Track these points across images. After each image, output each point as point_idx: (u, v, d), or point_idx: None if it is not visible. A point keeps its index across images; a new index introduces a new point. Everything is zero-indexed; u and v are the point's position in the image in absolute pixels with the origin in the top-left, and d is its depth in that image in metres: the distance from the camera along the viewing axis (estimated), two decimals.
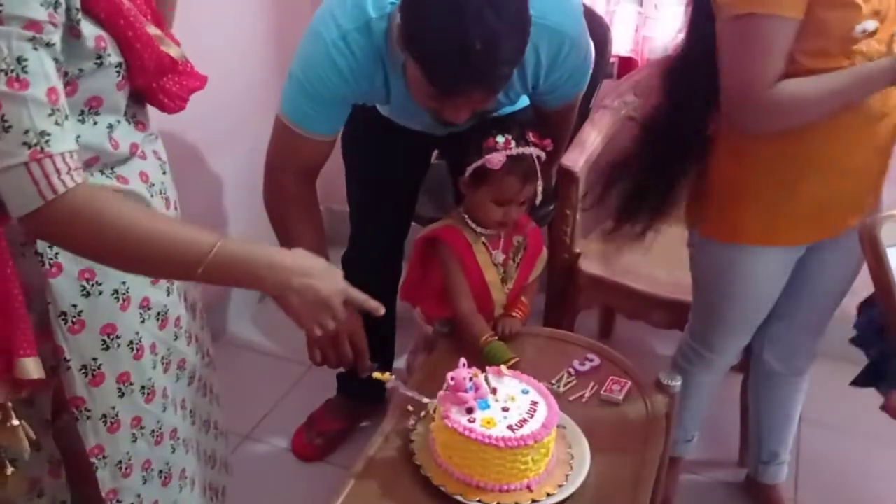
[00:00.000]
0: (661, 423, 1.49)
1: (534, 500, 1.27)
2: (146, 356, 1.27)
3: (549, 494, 1.28)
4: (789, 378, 1.94)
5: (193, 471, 1.43)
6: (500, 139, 1.57)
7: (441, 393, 1.35)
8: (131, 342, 1.24)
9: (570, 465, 1.34)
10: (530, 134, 1.60)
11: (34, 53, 0.97)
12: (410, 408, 1.47)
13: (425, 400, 1.40)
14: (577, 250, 2.15)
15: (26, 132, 0.97)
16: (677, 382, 1.54)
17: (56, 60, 1.01)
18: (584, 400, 1.53)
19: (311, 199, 1.74)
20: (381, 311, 1.32)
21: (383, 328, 2.22)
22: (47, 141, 0.99)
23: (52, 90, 1.00)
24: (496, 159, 1.56)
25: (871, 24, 1.39)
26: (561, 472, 1.33)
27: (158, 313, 1.28)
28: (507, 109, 1.79)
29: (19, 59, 0.96)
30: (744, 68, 1.45)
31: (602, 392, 1.54)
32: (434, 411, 1.36)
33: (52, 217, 1.01)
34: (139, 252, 1.08)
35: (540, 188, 1.62)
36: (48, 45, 0.99)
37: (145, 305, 1.25)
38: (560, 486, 1.30)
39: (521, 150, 1.58)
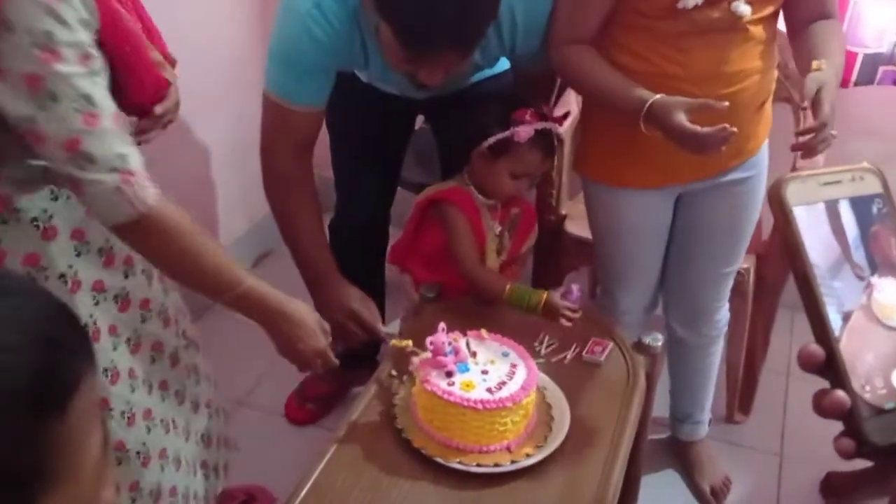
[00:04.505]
0: (642, 383, 1.50)
1: (513, 461, 1.30)
2: (104, 338, 1.27)
3: (528, 455, 1.31)
4: (698, 346, 1.96)
5: (178, 451, 1.43)
6: (528, 112, 1.56)
7: (421, 357, 1.36)
8: (84, 325, 1.24)
9: (549, 427, 1.36)
10: (546, 110, 1.61)
11: (94, 87, 1.08)
12: (393, 372, 1.49)
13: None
14: (563, 212, 2.16)
15: (110, 159, 1.10)
16: (658, 343, 1.56)
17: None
18: (565, 361, 1.54)
19: (308, 183, 1.73)
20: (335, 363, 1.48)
21: (372, 295, 2.23)
22: (127, 160, 1.12)
23: (116, 115, 1.12)
24: (524, 132, 1.55)
25: (693, 0, 1.43)
26: (540, 433, 1.35)
27: (116, 296, 1.28)
28: (488, 73, 1.78)
29: (87, 97, 1.07)
30: (555, 18, 1.57)
31: (584, 354, 1.55)
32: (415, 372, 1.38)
33: (142, 225, 1.16)
34: (189, 271, 1.26)
35: (555, 164, 1.64)
36: (97, 72, 1.09)
37: (99, 289, 1.26)
38: (539, 446, 1.32)
39: (547, 124, 1.58)
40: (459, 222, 1.67)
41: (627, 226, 1.77)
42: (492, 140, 1.59)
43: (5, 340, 0.56)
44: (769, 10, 1.52)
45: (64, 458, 0.59)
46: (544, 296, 1.56)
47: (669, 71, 1.52)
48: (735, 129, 1.39)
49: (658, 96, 1.44)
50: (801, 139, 1.39)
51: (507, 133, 1.56)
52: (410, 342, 1.43)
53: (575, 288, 1.55)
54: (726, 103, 1.40)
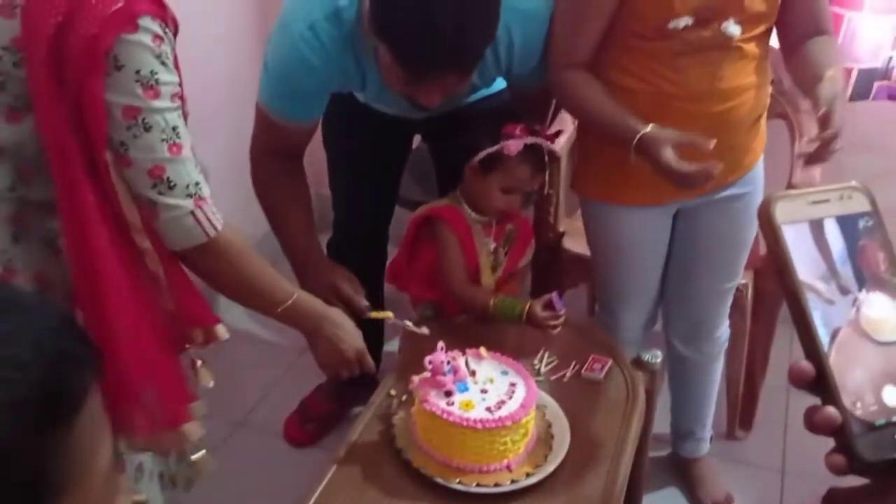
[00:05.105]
0: (642, 400, 1.50)
1: (513, 480, 1.29)
2: None
3: (528, 474, 1.30)
4: (699, 364, 1.96)
5: (152, 466, 1.43)
6: (518, 127, 1.59)
7: (421, 377, 1.36)
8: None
9: (549, 445, 1.36)
10: (538, 127, 1.63)
11: (179, 120, 1.19)
12: (393, 392, 1.49)
13: (425, 330, 1.56)
14: (561, 229, 2.16)
15: (187, 186, 1.19)
16: (658, 359, 1.55)
17: None
18: (565, 379, 1.54)
19: (298, 180, 1.77)
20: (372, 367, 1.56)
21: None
22: (200, 188, 1.22)
23: (192, 146, 1.21)
24: (514, 146, 1.57)
25: (683, 21, 1.46)
26: (540, 451, 1.35)
27: None
28: (484, 92, 1.79)
29: (174, 128, 1.17)
30: (552, 41, 1.58)
31: (583, 371, 1.55)
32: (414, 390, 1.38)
33: (209, 249, 1.24)
34: (247, 290, 1.36)
35: (547, 181, 1.66)
36: (180, 106, 1.19)
37: None
38: (539, 465, 1.32)
39: (537, 139, 1.59)
40: (448, 240, 1.69)
41: (625, 242, 1.78)
42: (482, 154, 1.60)
43: (15, 355, 0.58)
44: (761, 28, 1.53)
45: (75, 467, 0.60)
46: (527, 307, 1.58)
47: (665, 89, 1.53)
48: (721, 165, 1.42)
49: (648, 129, 1.46)
50: (811, 147, 1.39)
51: (496, 147, 1.58)
52: (391, 313, 1.53)
53: (554, 297, 1.58)
54: (713, 141, 1.42)
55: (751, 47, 1.54)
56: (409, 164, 2.14)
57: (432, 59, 1.39)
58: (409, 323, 1.58)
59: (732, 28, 1.48)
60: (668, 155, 1.42)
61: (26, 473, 0.57)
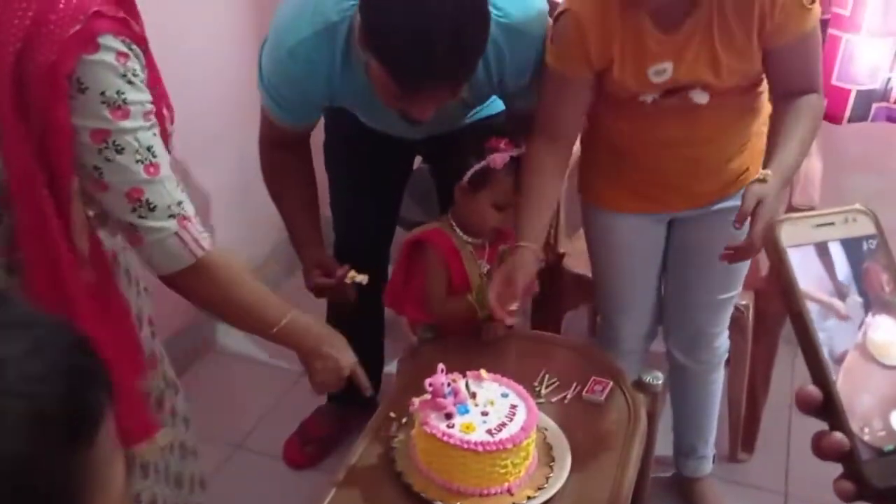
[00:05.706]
0: (643, 422, 1.49)
1: None
2: None
3: (529, 497, 1.29)
4: (698, 374, 1.96)
5: (154, 495, 1.42)
6: (502, 141, 1.60)
7: (421, 399, 1.35)
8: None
9: (550, 468, 1.35)
10: (523, 139, 1.63)
11: (154, 138, 1.14)
12: (392, 414, 1.48)
13: (364, 278, 1.70)
14: (562, 250, 2.16)
15: (168, 206, 1.16)
16: (659, 381, 1.55)
17: None
18: (565, 401, 1.53)
19: (301, 164, 1.82)
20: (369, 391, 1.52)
21: (371, 334, 2.22)
22: (183, 207, 1.18)
23: (170, 164, 1.17)
24: (500, 159, 1.57)
25: (651, 97, 1.55)
26: (542, 474, 1.34)
27: None
28: (483, 113, 1.80)
29: (149, 148, 1.13)
30: (538, 106, 1.64)
31: (584, 393, 1.54)
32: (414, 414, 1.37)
33: (197, 270, 1.20)
34: (239, 311, 1.33)
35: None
36: (155, 125, 1.15)
37: None
38: (541, 488, 1.31)
39: (523, 150, 1.61)
40: (432, 264, 1.69)
41: (620, 245, 1.82)
42: (470, 172, 1.60)
43: (32, 370, 0.58)
44: (734, 93, 1.56)
45: (95, 484, 0.60)
46: None
47: (647, 133, 1.63)
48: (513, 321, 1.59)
49: (523, 246, 1.56)
50: (728, 252, 1.51)
51: (483, 163, 1.58)
52: (349, 270, 1.69)
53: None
54: (515, 320, 1.57)
55: (732, 100, 1.57)
56: (409, 184, 2.15)
57: (426, 73, 1.39)
58: (353, 273, 1.71)
59: (699, 97, 1.54)
60: (495, 282, 1.53)
61: (49, 487, 0.57)
